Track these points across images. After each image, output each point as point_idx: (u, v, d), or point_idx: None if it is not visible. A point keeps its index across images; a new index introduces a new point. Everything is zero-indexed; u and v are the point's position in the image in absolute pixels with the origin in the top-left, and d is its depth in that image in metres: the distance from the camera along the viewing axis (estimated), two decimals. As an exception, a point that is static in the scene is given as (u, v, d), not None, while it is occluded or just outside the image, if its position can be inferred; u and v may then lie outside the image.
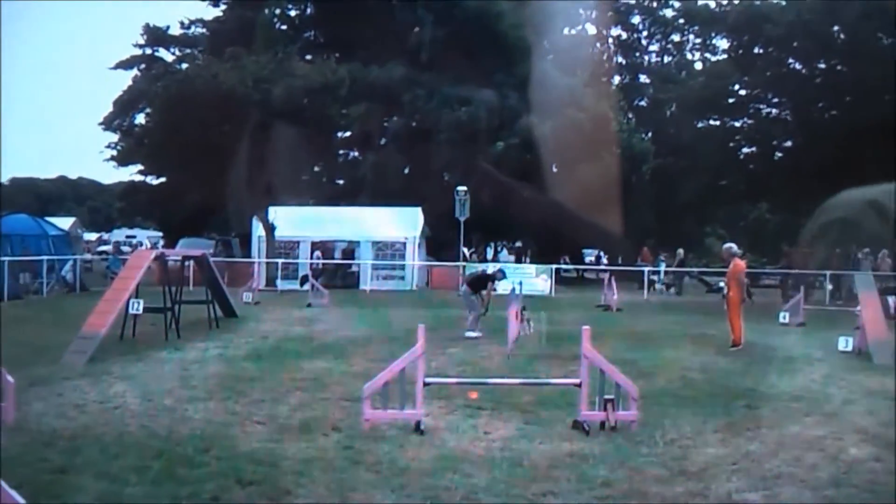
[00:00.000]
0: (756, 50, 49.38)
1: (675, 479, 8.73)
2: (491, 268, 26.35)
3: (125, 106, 56.80)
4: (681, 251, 45.82)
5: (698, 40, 64.79)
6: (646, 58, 72.64)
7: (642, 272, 41.63)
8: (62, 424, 10.66)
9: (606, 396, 10.78)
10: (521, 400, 12.32)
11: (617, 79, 67.88)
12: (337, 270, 43.67)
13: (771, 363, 17.29)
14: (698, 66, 66.12)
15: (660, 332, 23.21)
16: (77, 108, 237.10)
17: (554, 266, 42.73)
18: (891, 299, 26.66)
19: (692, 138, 54.86)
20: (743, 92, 52.39)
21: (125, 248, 55.77)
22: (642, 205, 52.87)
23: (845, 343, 18.86)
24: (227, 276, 33.89)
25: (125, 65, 61.93)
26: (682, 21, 64.97)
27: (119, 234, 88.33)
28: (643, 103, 68.34)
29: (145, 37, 62.68)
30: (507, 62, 51.19)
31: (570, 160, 47.32)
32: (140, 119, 55.44)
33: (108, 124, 59.50)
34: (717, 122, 55.10)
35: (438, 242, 47.86)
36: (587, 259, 65.69)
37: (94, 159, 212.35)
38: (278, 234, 42.58)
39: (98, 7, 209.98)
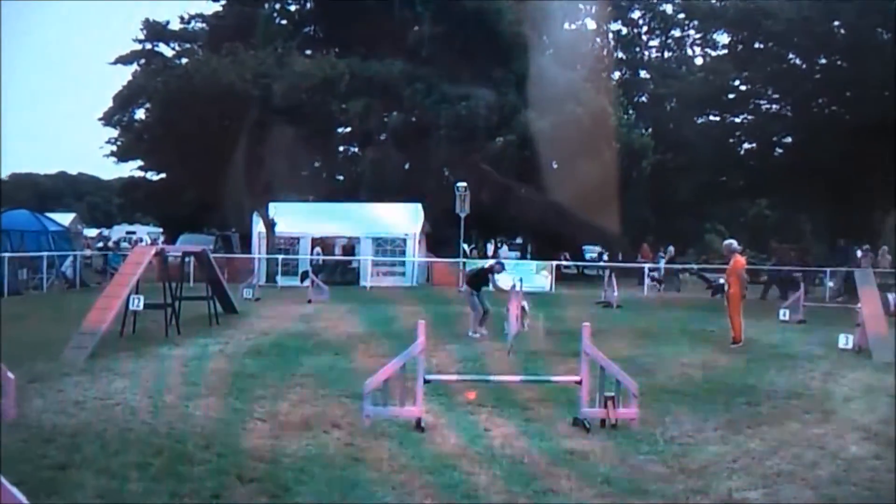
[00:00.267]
0: (756, 45, 49.32)
1: (676, 477, 8.74)
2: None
3: (125, 101, 56.59)
4: (671, 248, 45.78)
5: (698, 36, 64.63)
6: (646, 53, 72.58)
7: (642, 269, 41.61)
8: (62, 421, 10.66)
9: (607, 394, 10.80)
10: (522, 397, 12.31)
11: (616, 74, 67.78)
12: (337, 267, 43.65)
13: (771, 360, 17.30)
14: (698, 61, 66.05)
15: (660, 329, 23.25)
16: (77, 103, 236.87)
17: (554, 262, 42.68)
18: (891, 296, 26.66)
19: (692, 134, 54.80)
20: (743, 88, 52.34)
21: (124, 245, 55.60)
22: (642, 201, 52.88)
23: (845, 340, 18.86)
24: (228, 272, 33.90)
25: (125, 60, 61.84)
26: (682, 16, 64.90)
27: (119, 230, 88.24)
28: (643, 99, 68.29)
29: (145, 32, 62.65)
30: (507, 57, 51.10)
31: (570, 156, 47.29)
32: (140, 114, 55.24)
33: (107, 120, 59.29)
34: (717, 118, 55.08)
35: (438, 239, 47.80)
36: (588, 256, 65.63)
37: (94, 155, 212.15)
38: (278, 230, 42.58)
39: (98, 2, 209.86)
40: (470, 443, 9.96)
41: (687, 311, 29.10)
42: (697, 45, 66.88)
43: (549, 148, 46.95)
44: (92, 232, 71.17)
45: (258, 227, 43.14)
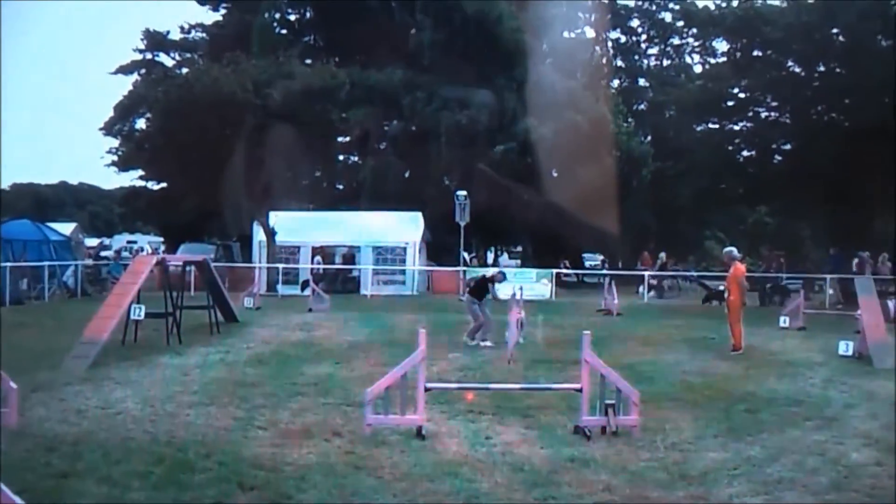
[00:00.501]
0: (755, 53, 49.35)
1: (676, 484, 8.77)
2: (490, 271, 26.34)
3: (126, 111, 56.65)
4: (662, 255, 45.76)
5: (697, 43, 64.74)
6: (645, 61, 72.79)
7: (642, 277, 41.62)
8: (64, 430, 10.69)
9: (607, 401, 10.82)
10: (523, 405, 12.33)
11: (616, 82, 67.99)
12: (337, 275, 43.65)
13: (771, 367, 17.32)
14: (697, 69, 66.17)
15: (660, 337, 23.23)
16: (78, 113, 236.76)
17: (554, 270, 42.70)
18: (891, 303, 26.67)
19: (691, 141, 54.87)
20: (742, 95, 52.34)
21: (125, 254, 55.58)
22: (641, 208, 53.00)
23: (846, 347, 18.88)
24: (228, 281, 33.95)
25: (125, 70, 61.98)
26: (680, 24, 64.98)
27: (120, 240, 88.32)
28: (642, 106, 68.41)
29: (145, 42, 62.80)
30: (506, 65, 51.15)
31: (570, 164, 47.41)
32: (141, 124, 55.26)
33: (108, 129, 59.36)
34: (716, 126, 55.05)
35: (439, 247, 47.83)
36: (588, 264, 65.63)
37: (95, 164, 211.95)
38: (279, 238, 42.61)
39: (98, 12, 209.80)
40: (471, 450, 9.99)
41: (687, 319, 29.09)
42: (696, 52, 67.03)
43: (549, 155, 47.07)
44: (93, 242, 71.13)
45: (259, 236, 43.17)
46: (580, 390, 10.85)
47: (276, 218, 43.01)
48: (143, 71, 60.94)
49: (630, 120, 58.49)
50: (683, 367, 17.07)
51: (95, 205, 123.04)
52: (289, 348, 19.56)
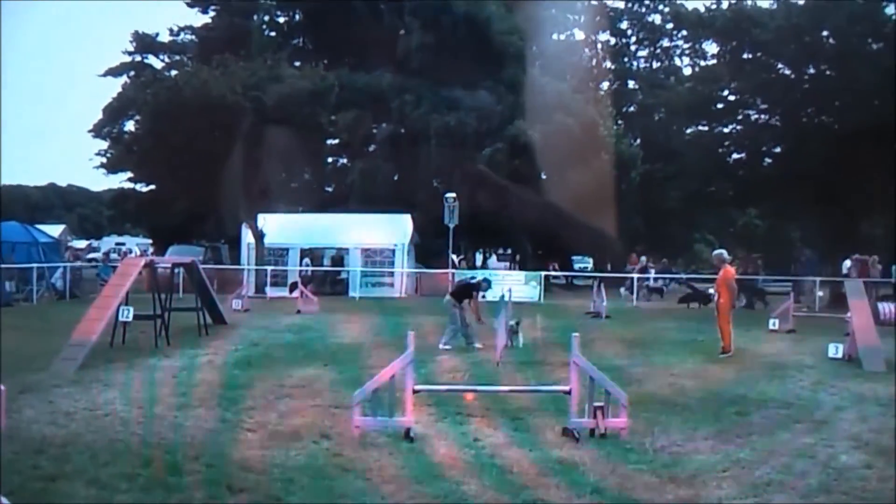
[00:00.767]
0: (745, 55, 49.32)
1: (666, 487, 8.74)
2: (479, 275, 26.29)
3: (115, 113, 56.62)
4: (643, 258, 45.75)
5: (687, 45, 64.78)
6: (634, 63, 72.84)
7: (631, 279, 41.62)
8: (52, 432, 10.65)
9: (596, 403, 10.80)
10: (511, 407, 12.31)
11: (605, 84, 68.06)
12: (326, 277, 43.63)
13: (761, 370, 17.33)
14: (687, 71, 66.17)
15: (649, 339, 23.26)
16: (67, 115, 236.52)
17: (543, 273, 42.71)
18: (881, 306, 26.72)
19: (681, 144, 54.85)
20: (731, 97, 52.32)
21: (114, 256, 55.52)
22: (631, 210, 53.00)
23: (835, 350, 18.90)
24: (217, 283, 33.87)
25: (115, 72, 61.93)
26: (670, 26, 65.05)
27: (109, 242, 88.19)
28: (632, 109, 68.50)
29: (134, 44, 62.76)
30: (496, 68, 51.20)
31: (559, 166, 47.48)
32: (130, 126, 55.29)
33: (97, 131, 59.34)
34: (706, 128, 54.98)
35: (428, 249, 47.82)
36: (577, 266, 65.65)
37: (84, 167, 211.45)
38: (267, 241, 42.64)
39: (87, 14, 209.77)
40: (459, 453, 9.97)
41: (676, 321, 29.15)
42: (686, 54, 67.06)
43: (538, 158, 47.13)
44: (81, 243, 70.99)
45: (247, 238, 43.16)
46: (569, 392, 10.84)
47: (265, 220, 43.00)
48: (132, 73, 60.84)
49: (619, 122, 58.60)
50: (673, 370, 17.06)
51: (84, 207, 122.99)
52: (277, 350, 19.54)
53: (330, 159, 60.73)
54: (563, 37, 64.83)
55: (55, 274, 36.86)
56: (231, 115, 40.46)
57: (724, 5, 49.40)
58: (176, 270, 27.79)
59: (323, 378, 15.34)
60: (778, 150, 51.82)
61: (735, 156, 54.03)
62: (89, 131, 59.59)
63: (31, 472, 8.81)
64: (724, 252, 21.62)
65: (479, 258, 67.53)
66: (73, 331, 16.78)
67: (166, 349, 18.87)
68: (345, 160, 60.28)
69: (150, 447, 9.98)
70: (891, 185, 38.02)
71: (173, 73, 55.40)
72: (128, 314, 18.75)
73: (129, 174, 57.63)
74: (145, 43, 63.02)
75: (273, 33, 59.79)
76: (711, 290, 25.50)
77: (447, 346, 19.99)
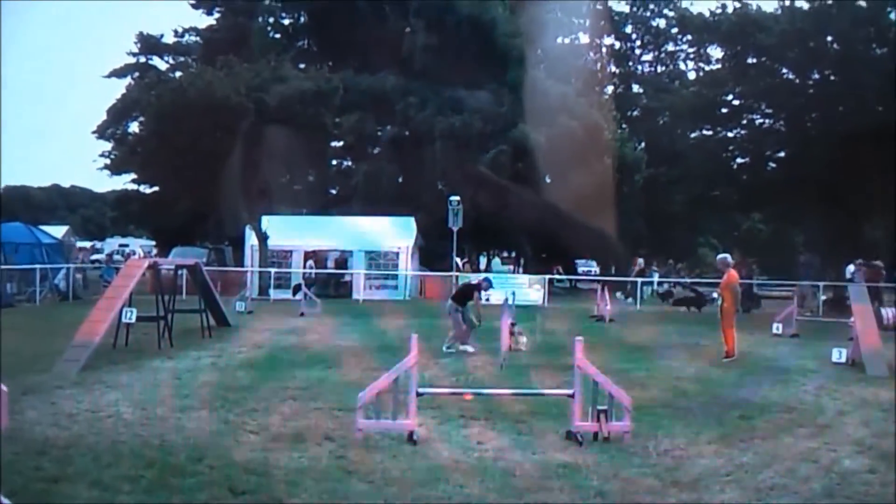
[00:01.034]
0: (749, 60, 49.31)
1: (668, 491, 8.73)
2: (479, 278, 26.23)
3: (119, 114, 56.74)
4: (641, 261, 45.64)
5: (691, 50, 64.81)
6: (639, 67, 72.85)
7: (635, 282, 41.60)
8: (55, 433, 10.64)
9: (599, 407, 10.79)
10: (514, 410, 12.30)
11: (610, 88, 68.03)
12: (329, 280, 43.62)
13: (764, 374, 17.30)
14: (691, 75, 66.14)
15: (653, 343, 23.23)
16: (71, 116, 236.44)
17: (547, 276, 42.71)
18: (884, 311, 26.68)
19: (685, 148, 54.79)
20: (736, 102, 52.27)
21: (117, 258, 55.61)
22: (635, 214, 52.97)
23: (839, 354, 18.87)
24: (220, 285, 33.83)
25: (119, 73, 62.08)
26: (675, 31, 65.07)
27: (112, 243, 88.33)
28: (636, 113, 68.47)
29: (139, 45, 62.87)
30: (500, 70, 51.17)
31: (563, 169, 47.43)
32: (133, 127, 55.41)
33: (101, 133, 59.47)
34: (710, 132, 54.92)
35: (431, 252, 47.80)
36: (581, 270, 65.66)
37: (88, 168, 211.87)
38: (271, 243, 42.63)
39: (92, 15, 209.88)
40: (462, 456, 9.96)
41: (680, 325, 29.16)
42: (690, 59, 67.11)
43: (542, 161, 47.11)
44: (85, 245, 70.96)
45: (251, 240, 43.16)
46: (572, 396, 10.83)
47: (269, 222, 43.00)
48: (136, 74, 60.98)
49: (624, 126, 58.60)
50: (676, 373, 17.05)
51: (87, 208, 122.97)
52: (280, 352, 19.54)
53: (334, 161, 60.68)
54: (567, 40, 64.83)
55: (58, 275, 36.83)
56: (235, 116, 40.47)
57: (729, 10, 49.33)
58: (179, 272, 27.77)
59: (326, 381, 15.33)
60: (782, 154, 51.83)
61: (739, 160, 54.00)
62: (93, 132, 59.80)
63: (33, 473, 8.79)
64: (728, 256, 21.60)
65: (482, 261, 67.50)
66: (75, 332, 16.77)
67: (169, 351, 18.87)
68: (349, 162, 60.29)
69: (152, 449, 9.97)
70: (894, 189, 37.95)
71: (177, 74, 55.50)
72: (131, 316, 18.76)
73: (133, 175, 57.79)
74: (149, 44, 63.13)
75: (277, 35, 59.78)
76: (715, 294, 25.46)
77: (453, 350, 19.95)
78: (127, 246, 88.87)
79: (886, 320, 25.60)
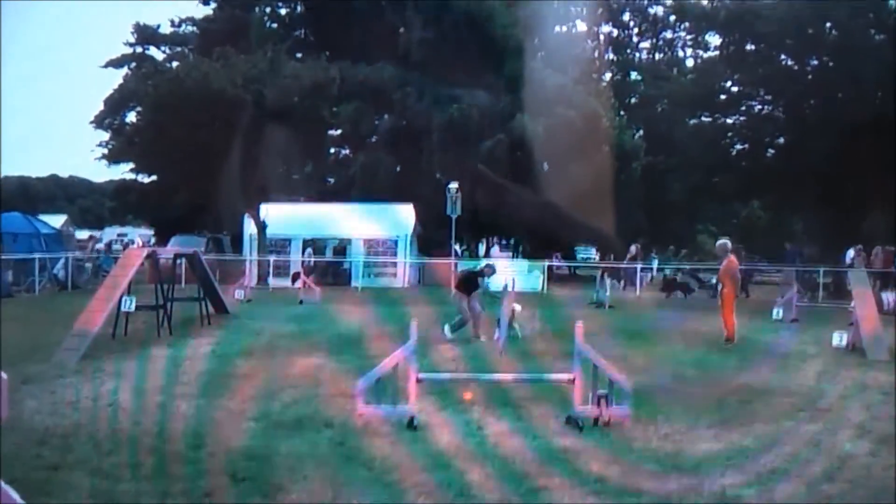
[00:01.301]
0: (747, 47, 49.30)
1: (669, 475, 8.72)
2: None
3: (116, 105, 56.65)
4: (633, 247, 45.50)
5: (689, 37, 64.57)
6: (637, 55, 72.63)
7: (634, 269, 41.56)
8: (55, 422, 10.64)
9: (600, 392, 10.79)
10: (515, 396, 12.29)
11: (608, 76, 67.83)
12: (328, 268, 43.60)
13: (765, 359, 17.30)
14: (689, 63, 66.04)
15: (653, 328, 23.24)
16: (68, 106, 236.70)
17: (546, 263, 42.70)
18: (885, 295, 26.72)
19: (683, 136, 54.73)
20: (734, 89, 52.29)
21: (116, 247, 55.62)
22: (634, 202, 52.90)
23: (839, 339, 18.89)
24: (219, 273, 33.85)
25: (116, 63, 61.90)
26: (673, 18, 64.93)
27: (111, 233, 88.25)
28: (634, 100, 68.33)
29: (136, 35, 62.72)
30: (498, 60, 51.06)
31: (561, 158, 47.33)
32: (131, 118, 55.32)
33: (99, 123, 59.36)
34: (709, 120, 54.96)
35: (430, 240, 47.79)
36: (580, 257, 65.62)
37: (86, 158, 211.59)
38: (269, 231, 42.62)
39: (89, 6, 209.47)
40: (462, 441, 9.95)
41: (679, 311, 29.17)
42: (689, 46, 66.83)
43: (540, 149, 47.04)
44: (83, 234, 70.94)
45: (249, 228, 43.15)
46: (573, 381, 10.82)
47: (267, 210, 42.98)
48: (133, 65, 60.80)
49: (622, 114, 58.47)
50: (676, 359, 17.05)
51: (86, 198, 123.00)
52: (279, 340, 19.52)
53: (332, 151, 60.60)
54: (564, 29, 64.59)
55: (57, 265, 36.81)
56: (232, 106, 40.39)
57: (727, -3, 49.35)
58: (178, 261, 27.76)
59: (326, 367, 15.32)
60: (781, 141, 51.85)
61: (738, 147, 54.07)
62: (91, 122, 59.65)
63: (34, 462, 8.81)
64: (727, 242, 21.59)
65: (481, 249, 67.47)
66: (75, 321, 16.76)
67: (168, 339, 18.87)
68: (347, 151, 60.22)
69: (152, 437, 9.98)
70: (893, 176, 37.95)
71: (174, 64, 55.35)
72: (130, 304, 18.75)
73: (131, 165, 57.73)
74: (146, 34, 62.99)
75: (274, 25, 59.65)
76: (715, 280, 25.48)
77: (453, 336, 19.85)
78: (126, 235, 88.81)
79: (887, 305, 25.66)
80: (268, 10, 59.66)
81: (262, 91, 42.28)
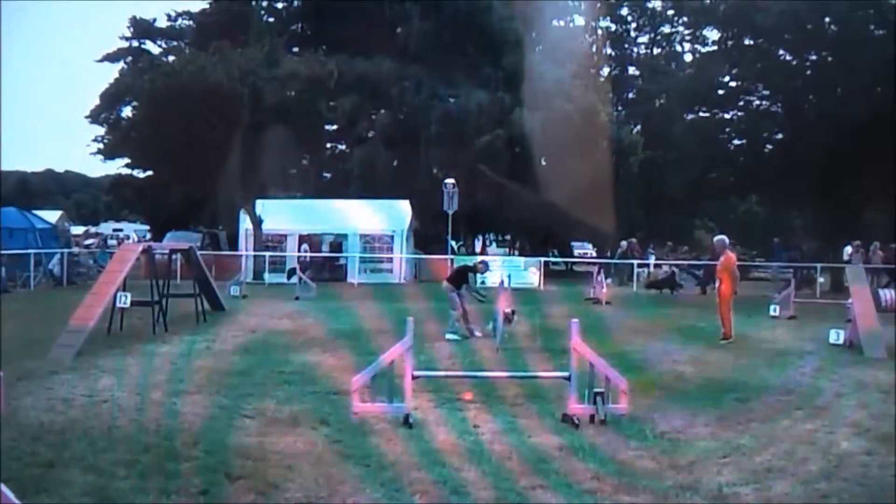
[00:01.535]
0: (746, 42, 49.24)
1: (666, 473, 8.72)
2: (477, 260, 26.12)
3: (112, 99, 56.58)
4: (623, 243, 45.44)
5: (688, 32, 64.50)
6: (635, 50, 72.60)
7: (631, 266, 41.54)
8: (50, 418, 10.63)
9: (596, 390, 10.77)
10: (511, 393, 12.28)
11: (606, 71, 67.74)
12: (324, 263, 43.59)
13: (762, 356, 17.30)
14: (688, 57, 65.96)
15: (649, 325, 23.24)
16: (64, 101, 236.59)
17: (542, 259, 42.68)
18: (882, 292, 26.70)
19: (681, 130, 54.62)
20: (733, 84, 52.21)
21: (112, 242, 55.58)
22: (631, 197, 52.85)
23: (836, 336, 18.87)
24: (215, 269, 33.82)
25: (112, 58, 61.77)
26: (671, 12, 64.86)
27: (106, 228, 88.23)
28: (632, 95, 68.33)
29: (132, 29, 62.53)
30: (496, 54, 51.09)
31: (559, 153, 47.34)
32: (127, 112, 55.27)
33: (94, 117, 59.31)
34: (707, 115, 54.82)
35: (427, 236, 47.79)
36: (577, 253, 65.61)
37: (81, 152, 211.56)
38: (265, 227, 42.54)
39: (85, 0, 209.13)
40: (458, 439, 9.94)
41: (677, 308, 29.18)
42: (687, 41, 66.69)
43: (537, 145, 47.07)
44: (79, 229, 70.86)
45: (245, 224, 43.09)
46: (569, 378, 10.81)
47: (263, 206, 42.93)
48: (129, 59, 60.72)
49: (620, 109, 58.51)
50: (673, 356, 17.04)
51: (82, 193, 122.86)
52: (275, 337, 19.52)
53: (329, 146, 60.55)
54: (562, 23, 64.53)
55: (52, 260, 36.75)
56: (229, 101, 40.33)
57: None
58: (174, 256, 27.71)
59: (321, 364, 15.30)
60: (779, 136, 51.75)
61: (736, 142, 53.96)
62: (86, 117, 59.61)
63: (29, 458, 8.79)
64: (725, 238, 21.54)
65: (478, 244, 67.46)
66: (70, 317, 16.72)
67: (164, 336, 18.85)
68: (343, 146, 60.17)
69: (147, 434, 9.96)
70: (892, 172, 37.91)
71: (171, 59, 55.19)
72: (125, 300, 18.71)
73: (127, 160, 57.73)
74: (143, 28, 62.81)
75: (271, 19, 59.61)
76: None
77: (455, 337, 19.56)
78: (121, 230, 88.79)
79: (885, 302, 25.63)
80: (265, 3, 59.67)
81: (259, 85, 42.22)
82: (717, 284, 21.13)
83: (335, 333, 20.06)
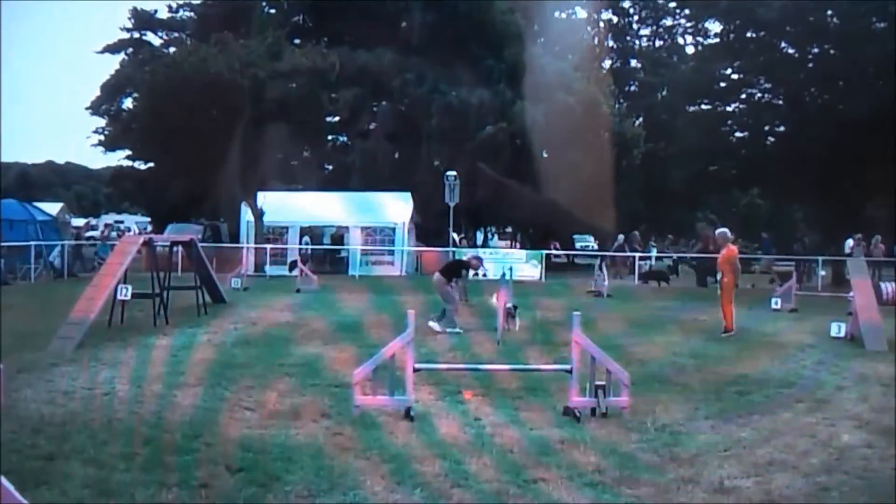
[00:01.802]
0: (748, 34, 49.19)
1: (667, 466, 8.70)
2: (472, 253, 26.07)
3: (113, 90, 56.55)
4: (620, 237, 45.34)
5: (690, 24, 64.57)
6: (637, 42, 72.62)
7: (633, 259, 41.53)
8: (50, 411, 10.60)
9: (597, 383, 10.75)
10: (512, 386, 12.29)
11: (608, 63, 67.75)
12: (326, 256, 43.58)
13: (763, 349, 17.29)
14: (690, 50, 66.05)
15: (651, 318, 23.23)
16: (65, 92, 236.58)
17: (544, 252, 42.65)
18: (883, 285, 26.69)
19: (683, 123, 54.66)
20: (735, 77, 52.18)
21: (112, 234, 55.55)
22: (633, 190, 52.86)
23: (837, 329, 18.87)
24: (216, 261, 33.75)
25: (113, 49, 61.74)
26: (673, 5, 64.86)
27: (107, 220, 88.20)
28: (634, 88, 68.32)
29: (133, 21, 62.47)
30: (498, 47, 51.00)
31: (560, 145, 47.31)
32: (128, 104, 55.25)
33: (95, 109, 59.31)
34: (709, 107, 54.83)
35: (428, 228, 47.76)
36: (579, 245, 65.55)
37: (82, 144, 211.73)
38: (267, 219, 42.51)
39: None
40: (460, 432, 9.92)
41: (678, 301, 29.15)
42: (689, 33, 66.91)
43: (539, 137, 47.02)
44: (79, 221, 70.89)
45: (246, 216, 43.04)
46: (570, 371, 10.78)
47: (264, 198, 42.89)
48: (130, 50, 60.70)
49: (622, 101, 58.46)
50: (674, 349, 17.03)
51: (82, 185, 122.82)
52: (276, 329, 19.50)
53: (330, 138, 60.46)
54: (564, 15, 64.51)
55: (53, 252, 36.74)
56: (230, 93, 40.25)
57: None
58: (175, 249, 27.71)
59: (322, 357, 15.28)
60: (781, 129, 51.72)
61: (738, 135, 53.90)
62: (87, 108, 59.60)
63: (30, 451, 8.76)
64: (727, 231, 21.53)
65: (479, 237, 67.43)
66: (71, 309, 16.71)
67: (165, 328, 18.82)
68: (345, 138, 60.08)
69: (148, 426, 9.94)
70: (893, 165, 37.89)
71: (172, 50, 55.18)
72: (126, 293, 18.69)
73: (128, 152, 57.64)
74: (144, 20, 62.76)
75: (273, 11, 59.46)
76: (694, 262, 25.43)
77: (458, 330, 19.47)
78: (122, 222, 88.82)
79: (886, 295, 25.63)
80: (266, -6, 59.54)
81: (260, 77, 42.13)
82: (718, 277, 21.11)
83: (336, 326, 20.04)
